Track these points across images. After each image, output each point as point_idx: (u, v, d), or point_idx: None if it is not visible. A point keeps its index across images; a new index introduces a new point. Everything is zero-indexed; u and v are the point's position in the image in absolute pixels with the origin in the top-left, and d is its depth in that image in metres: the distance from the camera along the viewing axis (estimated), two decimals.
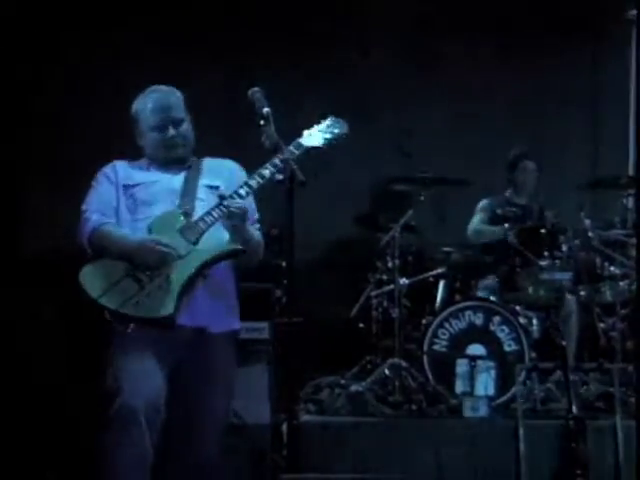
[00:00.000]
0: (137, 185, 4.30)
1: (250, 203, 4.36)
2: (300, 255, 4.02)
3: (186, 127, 4.36)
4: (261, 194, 4.42)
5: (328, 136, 4.40)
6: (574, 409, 5.85)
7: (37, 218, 7.29)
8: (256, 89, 4.08)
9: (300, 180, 3.86)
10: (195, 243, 4.14)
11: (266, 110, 4.01)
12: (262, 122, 4.00)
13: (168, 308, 4.04)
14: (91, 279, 4.08)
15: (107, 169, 4.39)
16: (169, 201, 4.25)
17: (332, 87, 7.98)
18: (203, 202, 4.26)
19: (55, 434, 5.89)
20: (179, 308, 4.06)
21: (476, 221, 7.36)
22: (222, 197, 4.17)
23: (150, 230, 4.17)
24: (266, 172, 4.16)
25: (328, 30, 7.94)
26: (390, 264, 6.88)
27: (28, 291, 6.73)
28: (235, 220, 4.15)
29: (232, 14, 7.79)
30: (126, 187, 4.30)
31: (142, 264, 4.08)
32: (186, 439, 4.18)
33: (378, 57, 8.05)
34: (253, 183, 4.19)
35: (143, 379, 4.05)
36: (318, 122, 4.40)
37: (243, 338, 5.89)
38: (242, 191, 4.19)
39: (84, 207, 4.31)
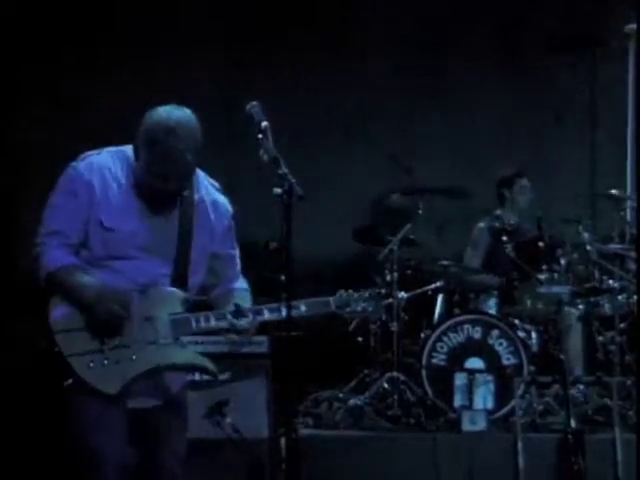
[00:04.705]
0: (115, 231, 3.85)
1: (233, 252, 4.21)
2: (299, 269, 4.02)
3: (189, 178, 3.94)
4: (260, 208, 4.43)
5: (358, 309, 4.18)
6: (573, 423, 5.86)
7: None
8: (254, 103, 4.04)
9: (298, 194, 3.85)
10: (177, 339, 3.89)
11: (264, 124, 3.97)
12: (260, 136, 3.96)
13: (114, 387, 3.76)
14: (60, 310, 3.81)
15: (79, 186, 3.86)
16: (154, 258, 3.90)
17: (331, 102, 8.01)
18: (198, 266, 4.00)
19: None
20: (128, 391, 3.80)
21: (472, 260, 7.36)
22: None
23: (145, 295, 3.86)
24: (267, 314, 4.01)
25: (328, 46, 7.96)
26: (388, 278, 6.87)
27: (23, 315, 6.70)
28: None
29: (232, 29, 7.80)
30: (101, 224, 3.84)
31: (94, 320, 3.77)
32: (153, 475, 4.02)
33: (379, 73, 8.06)
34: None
35: (105, 432, 3.80)
36: (357, 290, 4.23)
37: (242, 352, 5.91)
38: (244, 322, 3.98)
39: (41, 239, 3.85)
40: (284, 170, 3.89)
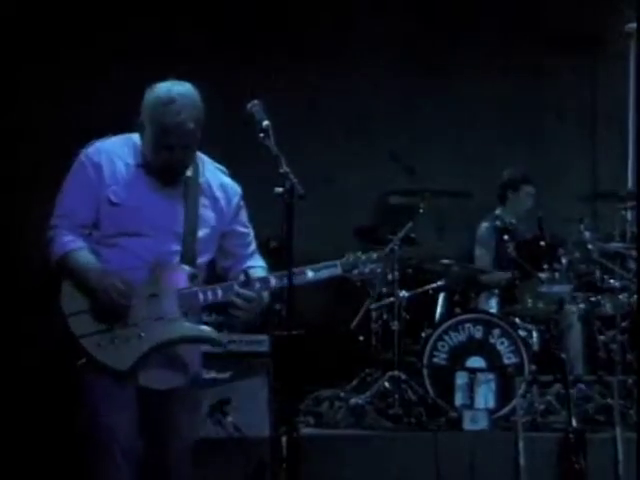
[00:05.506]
0: (122, 205, 3.96)
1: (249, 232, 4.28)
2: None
3: (193, 148, 4.03)
4: (261, 207, 4.43)
5: (366, 270, 4.19)
6: (574, 422, 5.87)
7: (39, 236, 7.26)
8: (255, 102, 4.06)
9: (299, 193, 3.86)
10: (186, 314, 3.97)
11: (266, 123, 3.99)
12: (261, 135, 3.99)
13: (125, 364, 3.87)
14: (70, 294, 3.92)
15: (88, 167, 3.99)
16: (161, 236, 3.99)
17: (332, 101, 8.00)
18: (205, 245, 4.08)
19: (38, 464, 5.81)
20: (138, 367, 3.90)
21: (484, 259, 7.35)
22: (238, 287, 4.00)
23: (152, 273, 3.95)
24: (273, 280, 4.05)
25: (329, 45, 7.95)
26: (390, 277, 6.88)
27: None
28: (239, 313, 4.02)
29: (232, 27, 7.80)
30: (109, 200, 3.96)
31: (98, 305, 3.89)
32: (160, 462, 4.09)
33: (380, 72, 8.06)
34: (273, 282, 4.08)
35: (113, 413, 3.91)
36: (366, 251, 4.25)
37: (243, 351, 5.94)
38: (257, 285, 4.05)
39: (54, 221, 3.98)
40: (285, 169, 3.90)
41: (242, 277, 4.02)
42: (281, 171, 3.90)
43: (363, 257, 4.19)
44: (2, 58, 7.11)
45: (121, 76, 7.32)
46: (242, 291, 3.99)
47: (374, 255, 4.21)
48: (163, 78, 4.08)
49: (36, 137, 7.35)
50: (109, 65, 7.45)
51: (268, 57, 7.80)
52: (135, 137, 4.06)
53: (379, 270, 4.23)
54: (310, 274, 4.09)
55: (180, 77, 4.10)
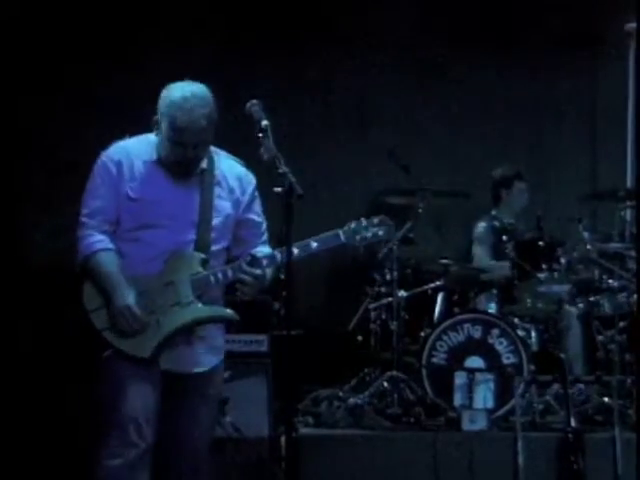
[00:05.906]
0: (140, 200, 4.15)
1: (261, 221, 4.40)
2: (298, 268, 4.04)
3: (206, 144, 4.18)
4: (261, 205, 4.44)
5: (368, 235, 4.30)
6: (573, 422, 5.86)
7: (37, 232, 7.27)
8: (254, 101, 4.10)
9: (298, 193, 3.88)
10: (199, 297, 4.16)
11: (265, 123, 4.04)
12: (260, 135, 4.02)
13: (146, 351, 4.09)
14: (91, 291, 4.14)
15: (109, 166, 4.18)
16: (178, 226, 4.17)
17: (331, 99, 8.00)
18: (220, 233, 4.24)
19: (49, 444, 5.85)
20: (160, 353, 4.12)
21: (483, 256, 7.34)
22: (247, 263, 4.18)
23: (166, 262, 4.13)
24: (279, 255, 4.18)
25: (327, 44, 7.94)
26: (388, 277, 6.87)
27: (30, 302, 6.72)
28: (246, 289, 4.17)
29: (232, 25, 7.80)
30: (128, 196, 4.16)
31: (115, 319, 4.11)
32: (176, 453, 4.23)
33: (377, 70, 8.06)
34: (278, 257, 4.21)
35: (132, 394, 4.08)
36: (367, 217, 4.32)
37: (242, 351, 5.94)
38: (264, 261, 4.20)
39: (82, 219, 4.19)
40: (284, 169, 3.94)
41: (249, 257, 4.18)
42: (280, 171, 3.93)
43: (364, 222, 4.29)
44: (4, 61, 7.11)
45: (122, 80, 7.32)
46: (249, 269, 4.14)
47: (375, 220, 4.31)
48: (165, 82, 4.16)
49: (35, 138, 7.36)
50: (110, 69, 7.44)
51: (268, 56, 7.79)
52: (151, 136, 4.22)
53: (381, 233, 4.31)
54: (314, 244, 4.20)
55: (179, 76, 4.15)
